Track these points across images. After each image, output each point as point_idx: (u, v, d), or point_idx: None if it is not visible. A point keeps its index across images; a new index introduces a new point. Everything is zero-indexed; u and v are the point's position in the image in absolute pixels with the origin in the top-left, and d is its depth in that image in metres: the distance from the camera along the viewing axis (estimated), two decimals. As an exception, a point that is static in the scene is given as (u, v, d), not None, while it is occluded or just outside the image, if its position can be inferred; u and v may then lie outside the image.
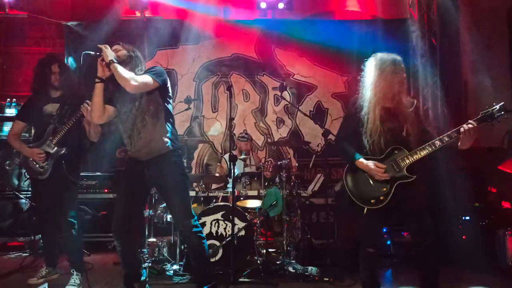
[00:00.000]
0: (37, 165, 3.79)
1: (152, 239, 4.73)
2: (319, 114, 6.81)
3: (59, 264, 4.12)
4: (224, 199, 4.98)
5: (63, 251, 4.07)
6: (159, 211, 4.73)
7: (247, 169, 5.24)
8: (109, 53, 3.06)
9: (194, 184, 4.94)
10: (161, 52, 6.80)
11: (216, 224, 4.32)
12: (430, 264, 2.88)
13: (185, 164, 3.79)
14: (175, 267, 4.30)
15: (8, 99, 5.82)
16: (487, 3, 6.01)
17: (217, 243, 4.22)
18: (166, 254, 4.56)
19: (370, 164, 2.88)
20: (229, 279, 3.79)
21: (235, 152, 5.67)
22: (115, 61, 3.04)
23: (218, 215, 4.34)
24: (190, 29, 6.62)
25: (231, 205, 4.23)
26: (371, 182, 2.90)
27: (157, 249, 4.58)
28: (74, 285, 3.69)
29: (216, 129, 6.82)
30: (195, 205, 4.74)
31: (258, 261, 4.23)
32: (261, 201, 4.66)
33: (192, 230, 3.23)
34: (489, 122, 2.73)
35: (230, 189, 4.59)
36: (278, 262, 4.35)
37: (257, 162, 5.73)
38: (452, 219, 4.68)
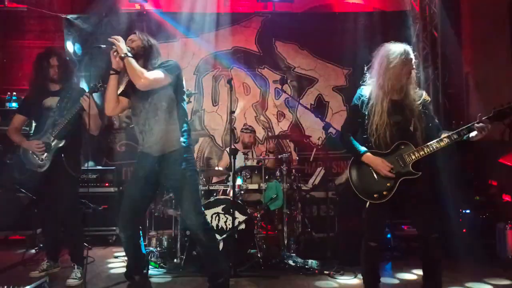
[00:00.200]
0: (37, 158, 3.79)
1: (153, 233, 4.75)
2: (320, 108, 6.78)
3: (60, 258, 4.13)
4: (225, 193, 4.97)
5: (64, 244, 4.10)
6: (159, 205, 4.74)
7: (248, 163, 5.23)
8: (123, 47, 3.01)
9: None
10: (161, 45, 6.65)
11: (217, 218, 4.33)
12: (434, 258, 2.88)
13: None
14: (176, 260, 4.31)
15: (8, 93, 5.80)
16: (489, -5, 5.97)
17: (218, 237, 4.22)
18: (166, 248, 4.57)
19: (378, 159, 2.84)
20: (229, 272, 3.79)
21: (238, 145, 5.67)
22: (129, 55, 3.00)
23: (219, 209, 4.35)
24: (190, 22, 6.58)
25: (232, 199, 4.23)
26: (376, 177, 2.87)
27: (158, 243, 4.60)
28: (75, 279, 3.71)
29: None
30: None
31: (259, 255, 4.25)
32: (262, 194, 4.66)
33: (201, 226, 3.18)
34: (501, 120, 2.67)
35: (230, 183, 4.59)
36: (278, 256, 4.37)
37: (257, 155, 5.72)
38: (453, 212, 4.68)
